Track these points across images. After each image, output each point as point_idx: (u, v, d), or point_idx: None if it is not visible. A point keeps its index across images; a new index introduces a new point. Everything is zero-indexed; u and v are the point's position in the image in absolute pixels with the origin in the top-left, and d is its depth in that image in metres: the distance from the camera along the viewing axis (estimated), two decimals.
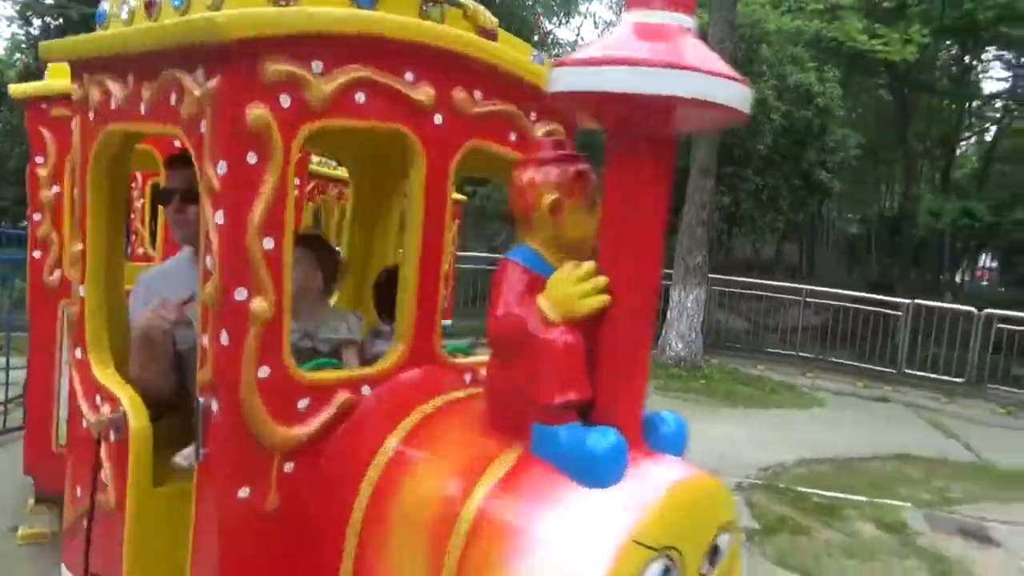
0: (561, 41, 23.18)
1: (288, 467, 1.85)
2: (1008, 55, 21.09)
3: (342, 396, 1.93)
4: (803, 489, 6.10)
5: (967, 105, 22.56)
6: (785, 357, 12.27)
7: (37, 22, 20.73)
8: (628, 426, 1.62)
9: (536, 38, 20.51)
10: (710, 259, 12.00)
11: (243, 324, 1.74)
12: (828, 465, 6.94)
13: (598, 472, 1.55)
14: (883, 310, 12.06)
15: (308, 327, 2.32)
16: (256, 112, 1.67)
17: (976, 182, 23.62)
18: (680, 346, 10.80)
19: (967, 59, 21.77)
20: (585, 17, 35.70)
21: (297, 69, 1.72)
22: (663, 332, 11.14)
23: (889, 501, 5.96)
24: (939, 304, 11.98)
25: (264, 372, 1.78)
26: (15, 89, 4.07)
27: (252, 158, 1.70)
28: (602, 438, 1.55)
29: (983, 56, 21.95)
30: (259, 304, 1.75)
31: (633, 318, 1.61)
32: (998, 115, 25.18)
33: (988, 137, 26.53)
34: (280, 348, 1.81)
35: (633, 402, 1.66)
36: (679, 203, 11.34)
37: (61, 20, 19.29)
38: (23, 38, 21.99)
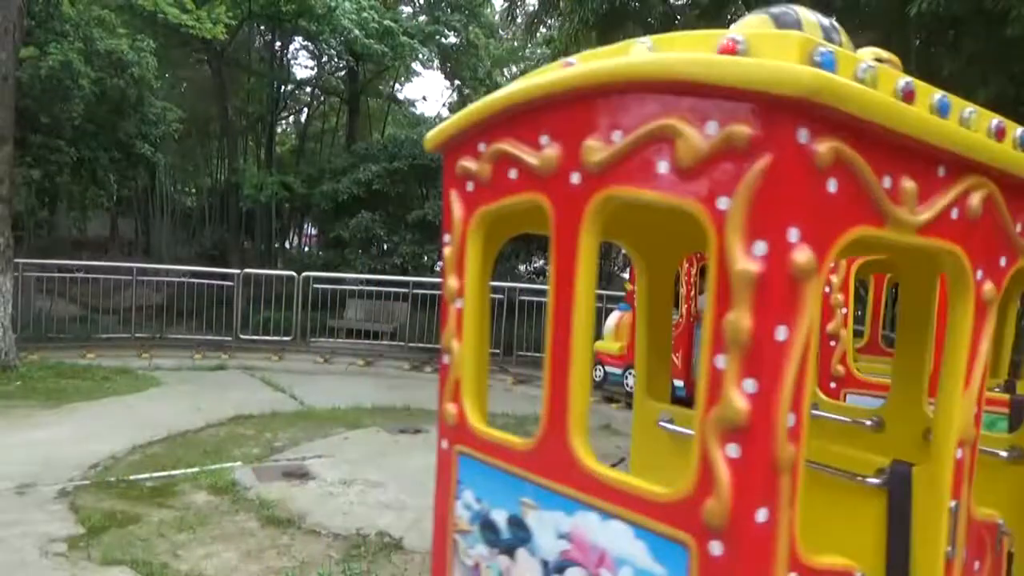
0: None
1: None
2: (312, 47, 23.93)
3: None
4: (134, 477, 5.87)
5: (280, 87, 24.81)
6: (122, 341, 11.63)
7: None
8: None
9: None
10: (27, 241, 10.45)
11: None
12: (163, 445, 6.86)
13: None
14: (219, 282, 12.50)
15: None
16: None
17: (294, 157, 26.39)
18: None
19: (278, 45, 23.91)
20: None
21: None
22: None
23: (221, 465, 6.21)
24: (266, 271, 13.01)
25: None
26: None
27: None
28: None
29: (291, 45, 24.44)
30: None
31: None
32: (308, 99, 28.54)
33: (302, 118, 29.88)
34: None
35: None
36: None
37: None
38: None
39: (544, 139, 1.91)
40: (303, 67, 27.41)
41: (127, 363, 10.32)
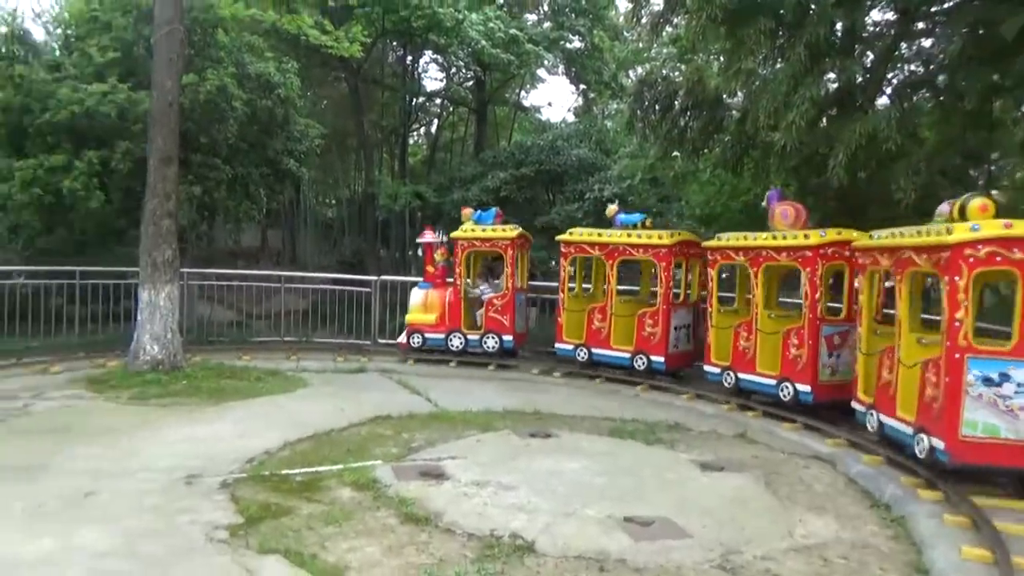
0: None
1: None
2: (441, 59, 24.72)
3: None
4: (286, 471, 6.28)
5: (411, 100, 25.77)
6: (273, 344, 12.46)
7: None
8: None
9: None
10: (187, 252, 11.45)
11: None
12: (310, 442, 7.29)
13: None
14: (357, 288, 13.13)
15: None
16: None
17: (426, 167, 27.31)
18: (156, 348, 10.07)
19: (409, 60, 24.87)
20: None
21: None
22: (135, 336, 10.23)
23: (363, 463, 6.53)
24: (401, 278, 13.53)
25: None
26: None
27: None
28: None
29: (421, 59, 25.35)
30: None
31: None
32: (438, 111, 29.47)
33: (433, 129, 30.89)
34: None
35: None
36: (144, 195, 10.51)
37: None
38: None
39: None
40: (433, 80, 28.35)
41: (278, 365, 11.05)
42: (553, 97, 55.03)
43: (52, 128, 12.39)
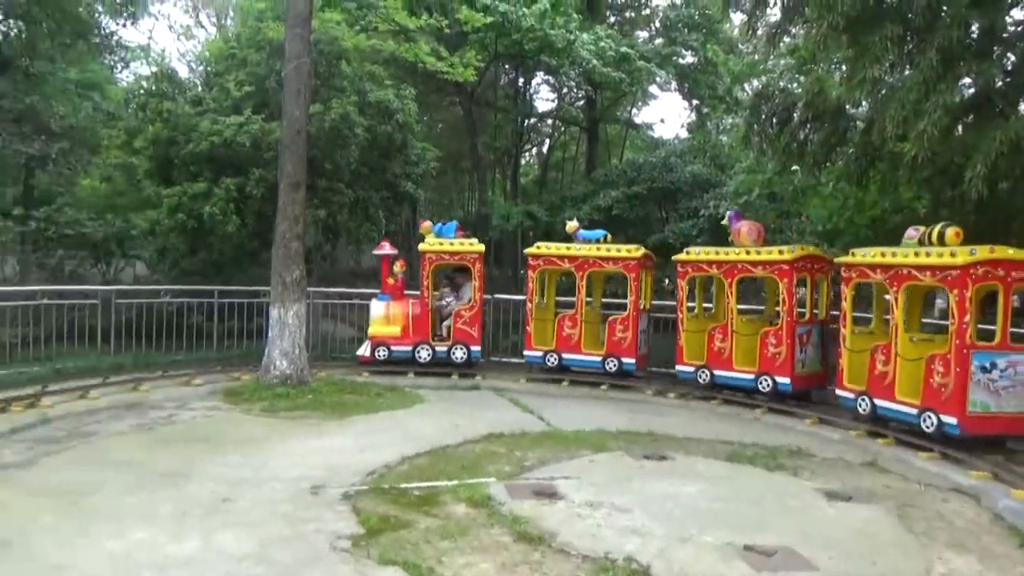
0: (129, 43, 21.01)
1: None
2: (552, 80, 25.01)
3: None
4: (404, 485, 6.48)
5: (523, 121, 26.16)
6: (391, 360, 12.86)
7: None
8: None
9: (97, 39, 18.30)
10: (312, 272, 12.08)
11: None
12: (427, 457, 7.48)
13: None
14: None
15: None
16: None
17: (537, 187, 27.59)
18: (285, 364, 10.63)
19: (521, 82, 25.30)
20: (157, 19, 32.98)
21: None
22: (266, 352, 10.86)
23: (477, 480, 6.63)
24: (513, 297, 13.67)
25: None
26: None
27: None
28: None
29: (533, 80, 25.73)
30: None
31: None
32: (550, 131, 29.78)
33: (544, 149, 31.23)
34: None
35: None
36: (275, 218, 11.17)
37: None
38: None
39: None
40: (544, 100, 28.70)
41: (395, 381, 11.42)
42: (665, 113, 54.50)
43: (195, 158, 13.41)
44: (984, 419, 7.82)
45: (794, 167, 12.51)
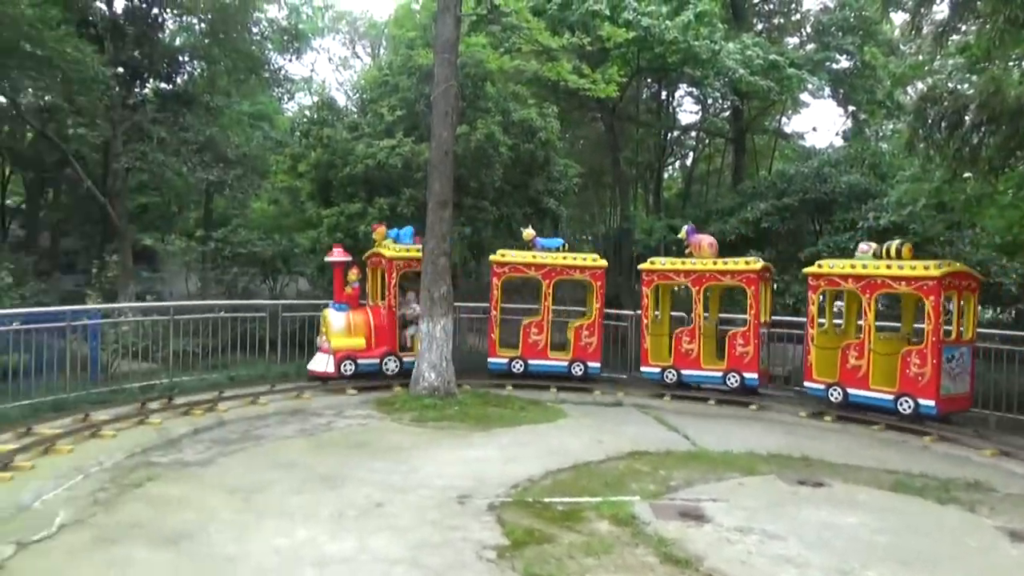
0: (294, 76, 22.73)
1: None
2: (696, 92, 24.49)
3: None
4: (548, 499, 6.52)
5: (666, 135, 25.76)
6: (533, 375, 13.00)
7: None
8: None
9: (267, 74, 19.93)
10: (458, 287, 12.47)
11: None
12: (570, 473, 7.49)
13: None
14: (613, 323, 13.30)
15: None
16: None
17: (681, 201, 27.02)
18: (433, 376, 11.01)
19: (664, 95, 24.96)
20: (319, 52, 35.44)
21: None
22: (416, 364, 11.30)
23: (621, 497, 6.55)
24: (657, 313, 13.43)
25: None
26: None
27: None
28: None
29: (676, 93, 25.31)
30: None
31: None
32: (693, 143, 29.14)
33: (688, 162, 30.58)
34: None
35: None
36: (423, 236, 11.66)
37: None
38: None
39: None
40: (688, 112, 28.15)
41: (539, 396, 11.53)
42: (818, 121, 51.70)
43: (351, 180, 14.26)
44: (949, 400, 9.71)
45: (966, 174, 11.51)
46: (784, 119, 27.76)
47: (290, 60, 22.12)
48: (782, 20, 24.30)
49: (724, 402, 11.24)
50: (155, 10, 17.42)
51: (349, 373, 11.41)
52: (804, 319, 12.14)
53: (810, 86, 20.64)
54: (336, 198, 14.59)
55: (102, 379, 10.58)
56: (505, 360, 12.22)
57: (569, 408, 10.86)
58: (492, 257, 12.55)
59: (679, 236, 12.73)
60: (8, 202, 24.45)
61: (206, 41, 17.87)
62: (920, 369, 9.66)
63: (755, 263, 11.39)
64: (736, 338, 11.35)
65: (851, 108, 23.91)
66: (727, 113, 24.93)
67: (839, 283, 10.60)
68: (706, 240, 12.08)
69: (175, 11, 17.76)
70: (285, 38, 19.76)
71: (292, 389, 10.94)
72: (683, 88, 24.63)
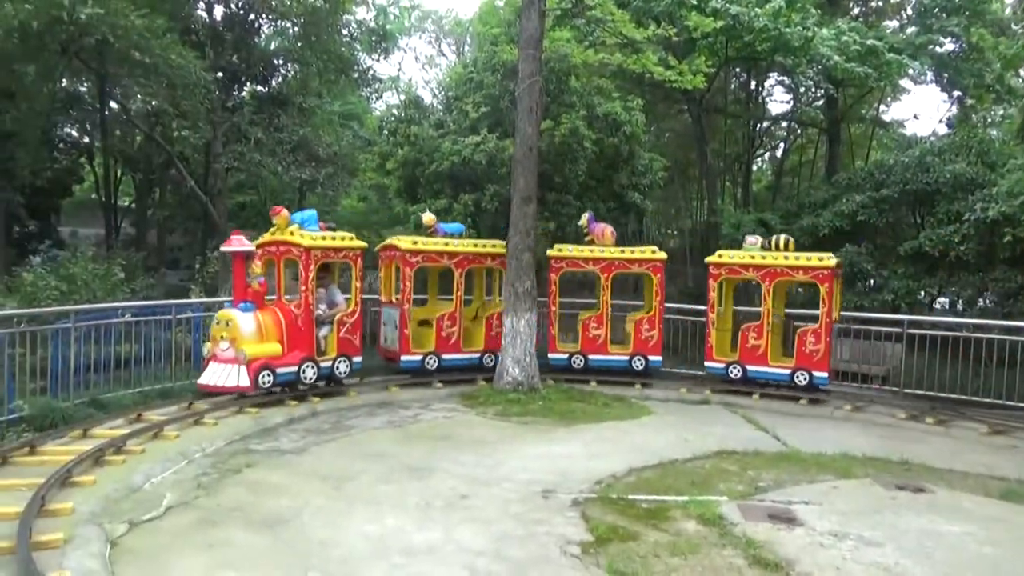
0: (382, 76, 23.25)
1: None
2: (787, 80, 23.70)
3: None
4: (632, 496, 6.45)
5: (756, 126, 25.03)
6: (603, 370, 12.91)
7: None
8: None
9: (356, 74, 20.47)
10: (541, 282, 12.49)
11: None
12: (655, 470, 7.39)
13: None
14: (698, 319, 13.03)
15: None
16: None
17: (770, 194, 26.23)
18: (517, 371, 11.08)
19: (753, 85, 24.25)
20: (405, 52, 36.14)
21: None
22: (500, 359, 11.40)
23: (708, 497, 6.43)
24: (744, 308, 13.09)
25: None
26: None
27: None
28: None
29: (766, 82, 24.55)
30: None
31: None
32: (784, 134, 28.21)
33: (778, 154, 29.62)
34: None
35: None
36: (507, 231, 11.73)
37: None
38: None
39: None
40: (778, 102, 27.26)
41: (622, 392, 11.43)
42: (920, 108, 49.14)
43: (437, 177, 14.50)
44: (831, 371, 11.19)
45: None
46: (883, 107, 26.56)
47: (378, 60, 22.69)
48: (880, 3, 23.19)
49: (816, 401, 10.85)
50: (251, 16, 18.18)
51: (268, 385, 9.46)
52: (902, 316, 11.65)
53: (911, 71, 19.65)
54: (423, 194, 14.86)
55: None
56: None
57: (654, 405, 10.73)
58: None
59: (580, 223, 12.65)
60: (120, 202, 26.12)
61: (298, 44, 18.52)
62: (815, 346, 10.92)
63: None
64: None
65: (956, 93, 22.61)
66: (820, 102, 24.04)
67: (740, 271, 11.55)
68: (608, 229, 12.45)
69: (270, 16, 18.46)
70: (373, 39, 20.26)
71: (380, 382, 11.22)
72: (774, 77, 23.90)
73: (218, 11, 18.11)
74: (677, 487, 6.78)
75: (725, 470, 7.47)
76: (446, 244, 11.87)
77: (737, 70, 22.54)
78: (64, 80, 18.00)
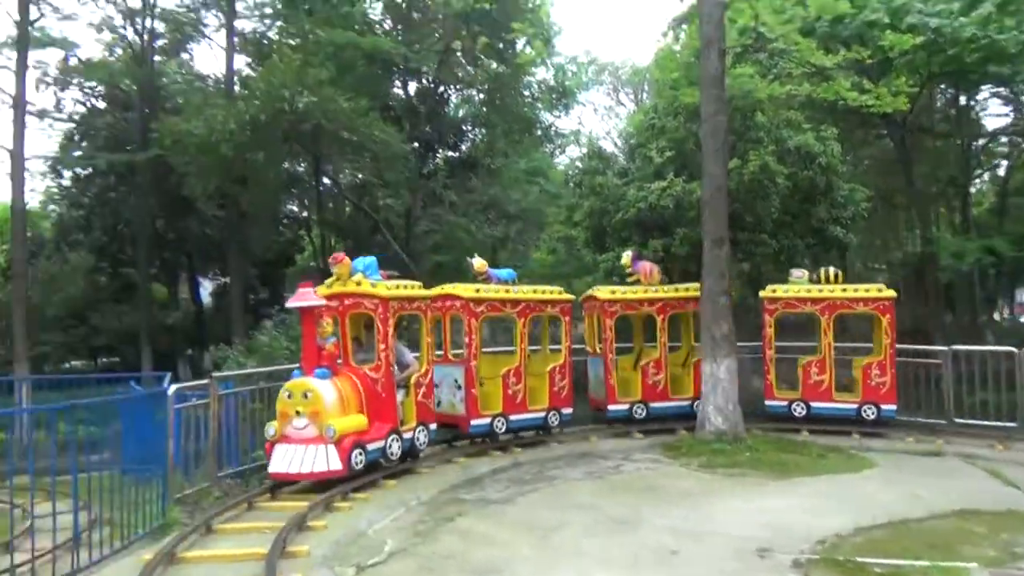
0: (563, 131, 23.93)
1: None
2: (1004, 91, 21.35)
3: None
4: (862, 559, 5.89)
5: (970, 144, 22.70)
6: (828, 420, 11.99)
7: (68, 174, 21.95)
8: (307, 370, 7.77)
9: (539, 132, 21.24)
10: (740, 326, 11.99)
11: None
12: (885, 530, 6.72)
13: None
14: (921, 360, 11.83)
15: None
16: None
17: (996, 218, 23.52)
18: (719, 419, 10.65)
19: (963, 100, 22.10)
20: (584, 105, 37.04)
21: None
22: (700, 407, 11.02)
23: (953, 563, 5.72)
24: (979, 348, 11.75)
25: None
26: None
27: None
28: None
29: (979, 96, 22.27)
30: None
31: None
32: (1006, 150, 25.32)
33: (1000, 172, 26.58)
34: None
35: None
36: (700, 275, 11.46)
37: (91, 169, 20.45)
38: (55, 190, 23.25)
39: None
40: (995, 116, 24.56)
41: (838, 441, 10.58)
42: None
43: (624, 224, 14.52)
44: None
45: None
46: None
47: (559, 116, 23.38)
48: None
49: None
50: (441, 88, 19.55)
51: (360, 466, 8.02)
52: None
53: None
54: (610, 243, 14.92)
55: None
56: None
57: (875, 456, 9.82)
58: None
59: (622, 263, 12.27)
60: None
61: (484, 109, 19.61)
62: (880, 379, 10.94)
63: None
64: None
65: None
66: None
67: (796, 306, 11.47)
68: (655, 268, 12.25)
69: (458, 86, 19.76)
70: (554, 96, 20.97)
71: (579, 432, 11.24)
72: (987, 89, 21.60)
73: (412, 87, 19.67)
74: (914, 550, 6.10)
75: (970, 531, 6.65)
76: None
77: (942, 86, 20.67)
78: (286, 163, 20.29)
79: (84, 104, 21.53)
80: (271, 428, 8.01)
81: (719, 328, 10.90)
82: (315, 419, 7.78)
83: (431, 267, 22.60)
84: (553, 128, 21.96)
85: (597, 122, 47.04)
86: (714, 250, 11.17)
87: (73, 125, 21.39)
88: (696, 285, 11.92)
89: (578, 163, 18.93)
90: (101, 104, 21.26)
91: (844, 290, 11.44)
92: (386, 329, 8.56)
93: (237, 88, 18.51)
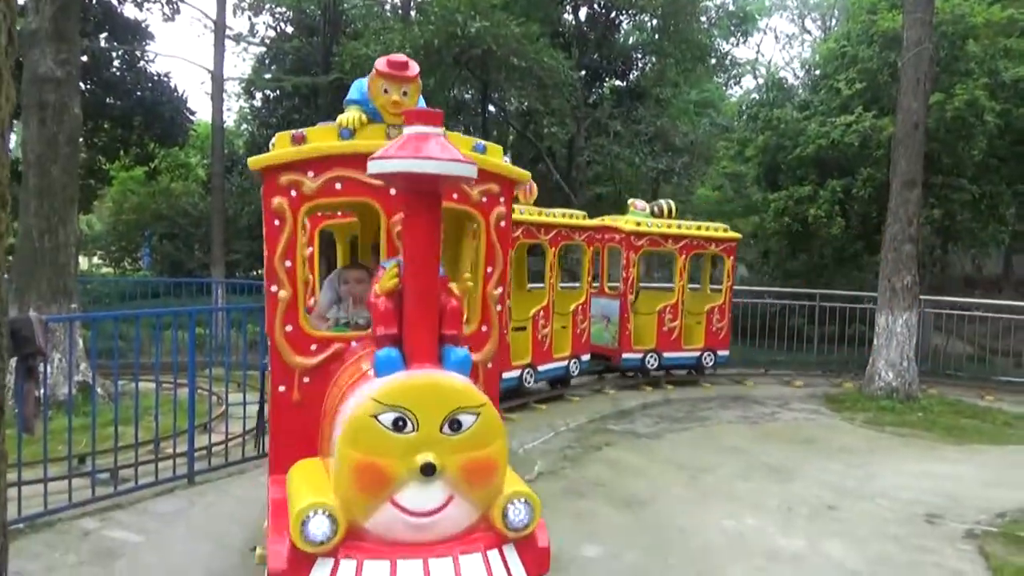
0: (740, 60, 22.54)
1: (306, 379, 3.42)
2: None
3: (336, 345, 3.46)
4: None
5: None
6: (1019, 386, 10.89)
7: (259, 95, 23.61)
8: (418, 349, 2.76)
9: (713, 60, 20.13)
10: (922, 278, 11.03)
11: (274, 303, 3.37)
12: None
13: (379, 369, 2.73)
14: None
15: (359, 313, 3.86)
16: (276, 200, 3.35)
17: None
18: (891, 375, 9.96)
19: None
20: (764, 33, 34.61)
21: (296, 176, 3.36)
22: (870, 360, 10.35)
23: None
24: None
25: (288, 328, 3.38)
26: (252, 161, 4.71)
27: (276, 223, 3.36)
28: (384, 352, 2.75)
29: None
30: (282, 293, 3.35)
31: (415, 293, 2.77)
32: None
33: None
34: (296, 316, 3.38)
35: (420, 335, 2.77)
36: (881, 219, 10.59)
37: (279, 91, 21.87)
38: (248, 110, 25.15)
39: None
40: None
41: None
42: None
43: (800, 162, 13.61)
44: None
45: None
46: None
47: (736, 44, 22.00)
48: None
49: None
50: (612, 13, 18.88)
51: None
52: None
53: None
54: (784, 181, 14.09)
55: None
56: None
57: None
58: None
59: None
60: None
61: (656, 36, 18.76)
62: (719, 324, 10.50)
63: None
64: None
65: None
66: None
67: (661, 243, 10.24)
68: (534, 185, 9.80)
69: (630, 11, 18.98)
70: (732, 23, 19.69)
71: (733, 375, 10.94)
72: None
73: (583, 12, 19.14)
74: None
75: None
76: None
77: None
78: (455, 89, 20.59)
79: (274, 29, 22.84)
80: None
81: (900, 279, 10.07)
82: None
83: (591, 198, 22.46)
84: (729, 57, 20.68)
85: (778, 51, 43.92)
86: (904, 192, 10.23)
87: (264, 49, 22.80)
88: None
89: (754, 95, 17.83)
90: (289, 29, 22.45)
91: (699, 228, 10.48)
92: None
93: (413, 13, 18.86)
